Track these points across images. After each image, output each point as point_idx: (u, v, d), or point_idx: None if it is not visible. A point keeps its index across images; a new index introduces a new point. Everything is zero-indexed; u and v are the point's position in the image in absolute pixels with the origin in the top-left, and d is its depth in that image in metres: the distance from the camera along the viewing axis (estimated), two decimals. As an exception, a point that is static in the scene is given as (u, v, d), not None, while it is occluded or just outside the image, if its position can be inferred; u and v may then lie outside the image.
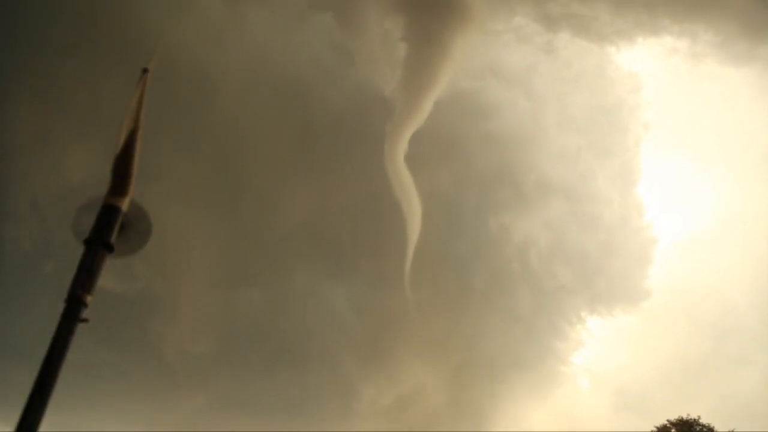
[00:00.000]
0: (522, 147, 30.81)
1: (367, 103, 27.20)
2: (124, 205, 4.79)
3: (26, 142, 24.56)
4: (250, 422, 27.36)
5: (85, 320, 4.73)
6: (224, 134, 25.57)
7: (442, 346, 27.20)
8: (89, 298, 4.66)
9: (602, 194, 31.30)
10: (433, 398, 27.28)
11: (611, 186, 31.72)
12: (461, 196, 29.68)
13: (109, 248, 4.90)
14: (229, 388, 27.46)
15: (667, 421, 17.51)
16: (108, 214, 4.94)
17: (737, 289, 33.05)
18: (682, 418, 17.30)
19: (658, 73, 32.00)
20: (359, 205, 27.23)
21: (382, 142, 24.64)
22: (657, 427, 17.79)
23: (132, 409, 26.67)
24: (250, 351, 26.74)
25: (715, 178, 36.88)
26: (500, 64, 30.45)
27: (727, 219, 34.76)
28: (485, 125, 29.92)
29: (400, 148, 23.48)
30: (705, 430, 17.32)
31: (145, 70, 4.84)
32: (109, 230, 4.94)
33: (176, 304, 24.82)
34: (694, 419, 17.37)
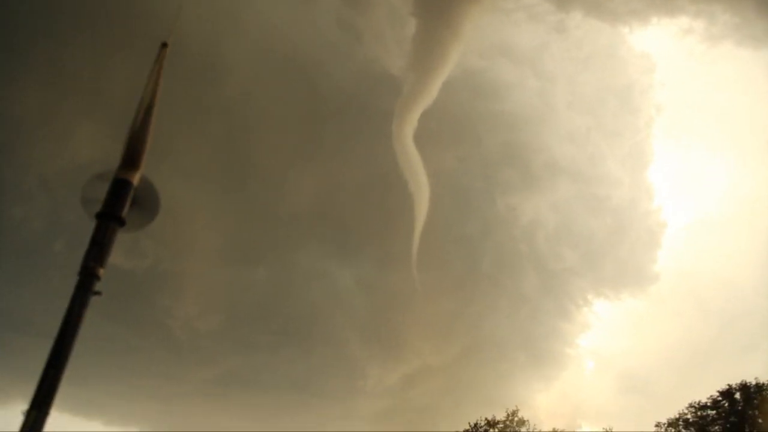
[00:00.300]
0: (531, 127, 30.46)
1: (375, 82, 26.93)
2: (135, 179, 4.77)
3: (34, 120, 24.55)
4: (256, 397, 27.75)
5: (98, 293, 4.71)
6: (233, 112, 25.44)
7: (449, 327, 27.35)
8: (101, 271, 4.62)
9: (612, 176, 31.03)
10: (439, 378, 27.50)
11: (621, 168, 31.46)
12: (469, 176, 29.49)
13: (121, 222, 4.85)
14: (236, 363, 27.82)
15: (728, 385, 17.18)
16: (119, 187, 4.87)
17: (745, 274, 33.00)
18: (745, 382, 16.98)
19: (672, 54, 31.33)
20: (367, 184, 27.15)
21: (390, 121, 24.46)
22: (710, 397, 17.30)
23: (142, 384, 27.08)
24: (256, 328, 26.99)
25: (727, 161, 36.48)
26: (510, 42, 29.93)
27: (737, 204, 34.51)
28: (494, 105, 29.56)
29: (408, 127, 23.28)
30: None
31: (164, 45, 4.74)
32: (120, 204, 4.88)
33: (184, 282, 25.00)
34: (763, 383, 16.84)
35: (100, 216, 4.84)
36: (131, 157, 4.66)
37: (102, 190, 4.90)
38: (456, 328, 27.67)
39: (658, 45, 31.21)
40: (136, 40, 24.57)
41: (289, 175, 26.74)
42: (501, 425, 18.52)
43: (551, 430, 18.41)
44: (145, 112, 4.53)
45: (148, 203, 4.78)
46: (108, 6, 23.69)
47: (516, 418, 18.45)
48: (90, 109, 25.01)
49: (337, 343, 27.37)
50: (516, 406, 18.69)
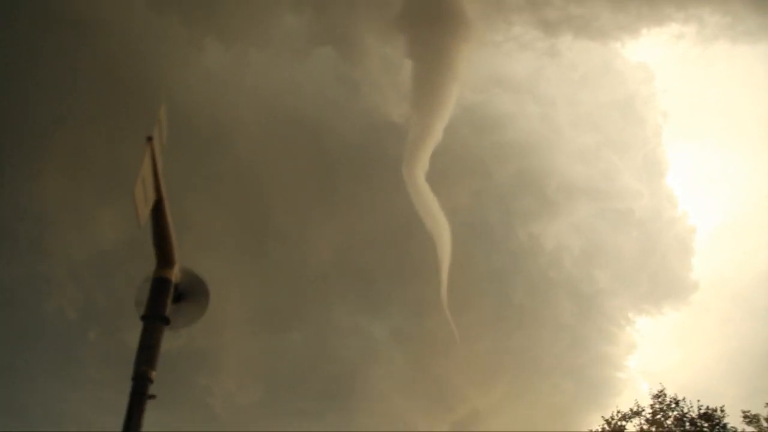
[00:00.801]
0: (539, 152, 30.44)
1: (378, 130, 27.33)
2: (173, 275, 4.80)
3: (57, 211, 25.15)
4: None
5: (152, 396, 4.67)
6: (244, 178, 25.86)
7: (491, 366, 26.64)
8: (153, 373, 4.63)
9: (630, 189, 30.54)
10: (490, 421, 26.59)
11: (638, 180, 30.97)
12: (485, 209, 29.39)
13: (165, 321, 4.87)
14: (283, 435, 27.14)
15: None
16: (159, 286, 4.92)
17: (788, 267, 31.72)
18: None
19: (668, 61, 31.43)
20: (386, 233, 27.15)
21: (399, 166, 24.66)
22: None
23: (187, 467, 26.57)
24: (297, 395, 26.52)
25: (745, 157, 35.94)
26: (504, 74, 30.32)
27: (763, 198, 33.67)
28: (499, 136, 29.72)
29: (419, 170, 23.38)
30: None
31: (149, 138, 4.79)
32: (162, 303, 4.90)
33: (220, 357, 24.87)
34: None
35: (144, 318, 4.86)
36: (163, 255, 4.70)
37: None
38: (498, 367, 26.99)
39: (653, 54, 31.29)
40: (141, 123, 25.46)
41: (308, 234, 26.94)
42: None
43: None
44: (156, 208, 4.50)
45: (195, 295, 4.83)
46: (113, 94, 24.57)
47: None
48: (109, 193, 25.69)
49: (380, 399, 26.78)
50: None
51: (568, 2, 25.73)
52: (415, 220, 24.38)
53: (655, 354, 31.83)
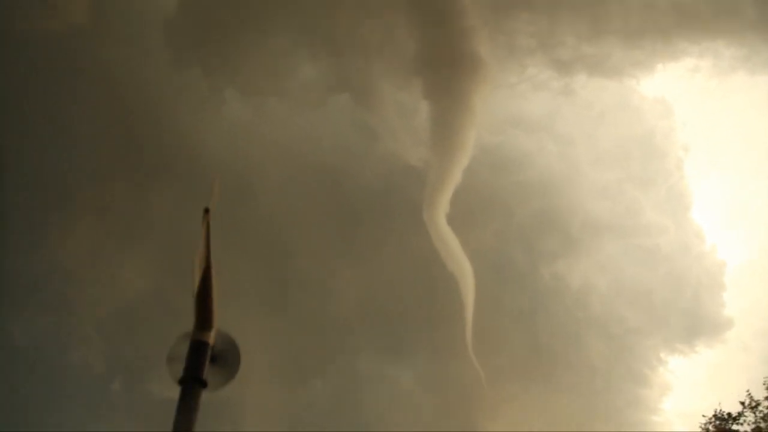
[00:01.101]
0: (559, 191, 30.28)
1: (397, 174, 27.48)
2: (211, 338, 4.88)
3: (83, 265, 25.47)
4: None
5: None
6: (265, 229, 26.03)
7: (520, 412, 25.81)
8: None
9: (655, 224, 30.04)
10: (522, 470, 25.64)
11: (662, 215, 30.50)
12: (508, 250, 29.07)
13: (203, 384, 4.89)
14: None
15: None
16: (197, 349, 4.97)
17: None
18: None
19: (685, 94, 31.22)
20: (409, 277, 26.92)
21: (419, 210, 24.64)
22: None
23: None
24: (322, 446, 25.88)
25: (768, 186, 35.10)
26: (520, 114, 30.51)
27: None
28: (518, 176, 29.68)
29: (440, 212, 23.39)
30: None
31: (206, 210, 5.08)
32: (200, 366, 4.95)
33: (242, 406, 24.45)
34: None
35: (182, 382, 4.86)
36: (203, 318, 4.82)
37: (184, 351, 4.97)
38: (528, 412, 26.14)
39: (670, 88, 31.02)
40: (169, 176, 26.05)
41: (331, 281, 26.83)
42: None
43: None
44: (204, 275, 4.64)
45: (227, 359, 4.79)
46: (144, 146, 25.19)
47: None
48: (132, 248, 26.04)
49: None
50: None
51: (580, 42, 26.05)
52: (437, 263, 24.23)
53: (690, 395, 30.36)
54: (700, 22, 24.14)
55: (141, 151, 25.33)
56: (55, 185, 25.41)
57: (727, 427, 16.33)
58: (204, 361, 4.95)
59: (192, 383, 4.88)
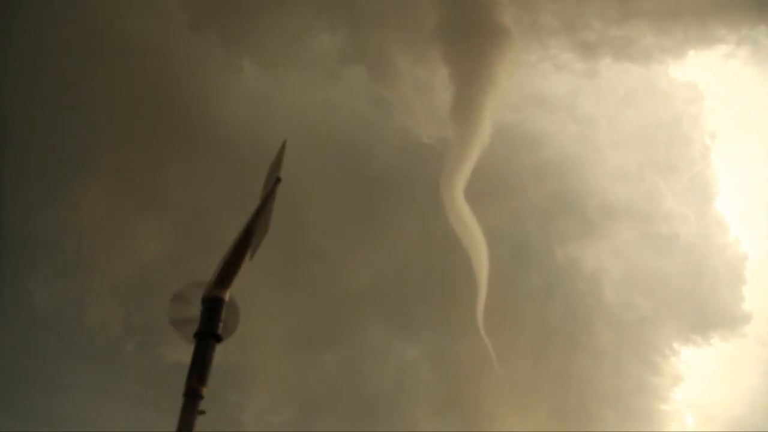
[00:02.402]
0: (578, 172, 29.75)
1: (412, 151, 27.17)
2: (227, 296, 4.95)
3: (99, 225, 25.72)
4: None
5: (202, 412, 4.74)
6: (281, 198, 25.95)
7: (529, 391, 25.86)
8: (204, 390, 4.71)
9: (675, 213, 29.33)
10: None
11: (684, 203, 29.76)
12: (523, 229, 28.77)
13: (218, 338, 4.96)
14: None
15: None
16: (214, 305, 5.02)
17: None
18: None
19: (717, 79, 29.66)
20: (424, 254, 26.83)
21: (431, 188, 24.42)
22: None
23: (219, 485, 26.31)
24: (330, 416, 26.18)
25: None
26: (541, 92, 29.65)
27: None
28: (537, 154, 29.19)
29: (458, 187, 23.14)
30: None
31: (278, 180, 5.32)
32: (216, 322, 5.02)
33: (252, 375, 24.79)
34: None
35: (198, 335, 4.90)
36: (224, 276, 4.90)
37: (186, 309, 4.99)
38: (535, 392, 26.16)
39: (700, 73, 29.47)
40: (186, 141, 26.08)
41: (344, 253, 26.86)
42: None
43: None
44: (245, 236, 4.87)
45: (229, 318, 4.84)
46: (162, 111, 25.17)
47: None
48: (148, 209, 26.22)
49: (413, 422, 26.20)
50: None
51: (607, 25, 25.03)
52: (452, 240, 24.07)
53: (703, 387, 29.68)
54: (740, 7, 22.83)
55: (159, 115, 25.33)
56: (73, 147, 25.54)
57: None
58: (219, 318, 5.07)
59: (208, 338, 4.91)
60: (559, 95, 29.66)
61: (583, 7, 24.82)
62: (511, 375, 25.23)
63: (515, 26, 23.89)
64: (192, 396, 4.32)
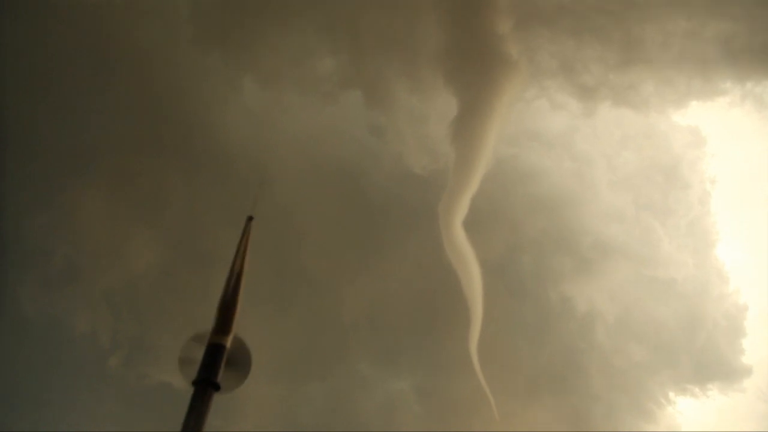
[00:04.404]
0: (572, 208, 29.52)
1: (407, 180, 26.96)
2: (228, 342, 4.65)
3: (94, 233, 25.27)
4: None
5: None
6: (277, 222, 25.72)
7: (520, 430, 25.29)
8: None
9: (672, 257, 29.07)
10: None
11: (682, 248, 29.54)
12: (515, 264, 28.48)
13: (216, 387, 4.84)
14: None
15: None
16: (214, 352, 4.94)
17: None
18: None
19: (719, 126, 29.43)
20: (417, 284, 26.53)
21: (425, 218, 24.23)
22: None
23: None
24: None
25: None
26: (537, 128, 29.66)
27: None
28: (533, 189, 29.03)
29: (457, 218, 22.97)
30: None
31: (250, 218, 5.52)
32: (215, 369, 4.88)
33: (237, 400, 24.14)
34: None
35: (196, 383, 4.75)
36: (224, 322, 4.90)
37: (198, 352, 4.88)
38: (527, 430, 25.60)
39: (703, 118, 29.07)
40: (185, 154, 25.87)
41: (340, 284, 26.44)
42: None
43: None
44: (236, 281, 4.90)
45: (239, 362, 4.83)
46: (162, 123, 24.95)
47: None
48: (143, 220, 25.82)
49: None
50: None
51: (607, 70, 24.60)
52: (443, 271, 23.77)
53: None
54: (748, 60, 22.52)
55: (158, 126, 25.16)
56: (68, 152, 25.24)
57: None
58: (219, 365, 4.91)
59: (206, 386, 4.68)
60: (556, 132, 29.65)
61: (581, 48, 24.60)
62: (502, 411, 24.75)
63: (516, 60, 23.86)
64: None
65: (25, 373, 23.58)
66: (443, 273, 24.01)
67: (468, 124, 23.53)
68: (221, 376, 4.75)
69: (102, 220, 25.01)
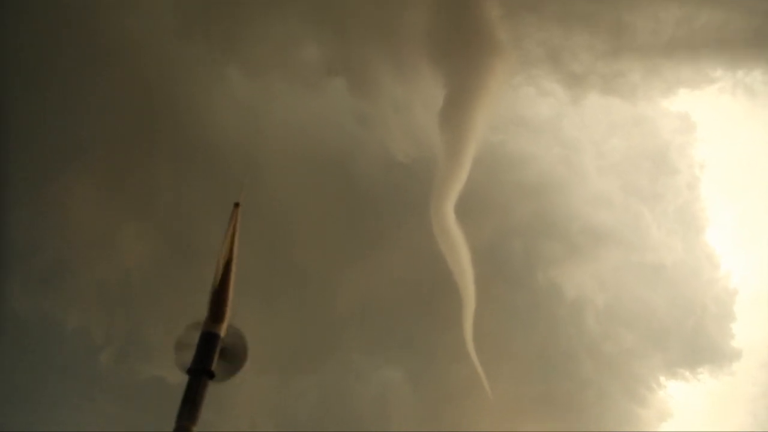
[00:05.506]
0: (561, 194, 29.40)
1: (392, 168, 26.84)
2: (222, 331, 4.83)
3: (84, 225, 25.04)
4: None
5: None
6: (267, 212, 25.61)
7: (512, 415, 25.48)
8: (194, 428, 4.70)
9: (661, 242, 29.16)
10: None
11: (671, 233, 29.55)
12: (505, 250, 28.48)
13: (211, 375, 4.90)
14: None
15: None
16: (208, 341, 4.99)
17: None
18: None
19: (709, 110, 29.20)
20: (411, 275, 26.49)
21: (412, 208, 24.20)
22: None
23: None
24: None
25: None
26: (524, 115, 29.46)
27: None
28: (520, 175, 28.92)
29: (449, 206, 22.98)
30: None
31: (236, 204, 5.52)
32: (210, 358, 4.92)
33: (230, 392, 24.10)
34: None
35: (191, 372, 4.80)
36: (217, 311, 4.96)
37: (193, 341, 4.91)
38: (520, 415, 25.77)
39: (692, 104, 28.86)
40: (174, 148, 25.63)
41: (329, 273, 26.38)
42: None
43: None
44: (225, 269, 4.93)
45: (234, 352, 5.00)
46: (150, 114, 24.66)
47: None
48: (133, 214, 25.61)
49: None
50: None
51: (595, 59, 24.40)
52: (434, 260, 23.78)
53: (691, 423, 28.79)
54: (740, 47, 22.27)
55: (146, 119, 24.88)
56: (56, 146, 24.93)
57: None
58: (214, 354, 4.97)
59: (200, 374, 4.73)
60: (543, 118, 29.47)
61: (569, 35, 24.43)
62: (494, 397, 24.90)
63: (503, 46, 23.73)
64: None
65: (15, 370, 23.44)
66: (433, 261, 24.05)
67: (456, 111, 23.48)
68: (216, 365, 4.76)
69: (91, 213, 24.79)
